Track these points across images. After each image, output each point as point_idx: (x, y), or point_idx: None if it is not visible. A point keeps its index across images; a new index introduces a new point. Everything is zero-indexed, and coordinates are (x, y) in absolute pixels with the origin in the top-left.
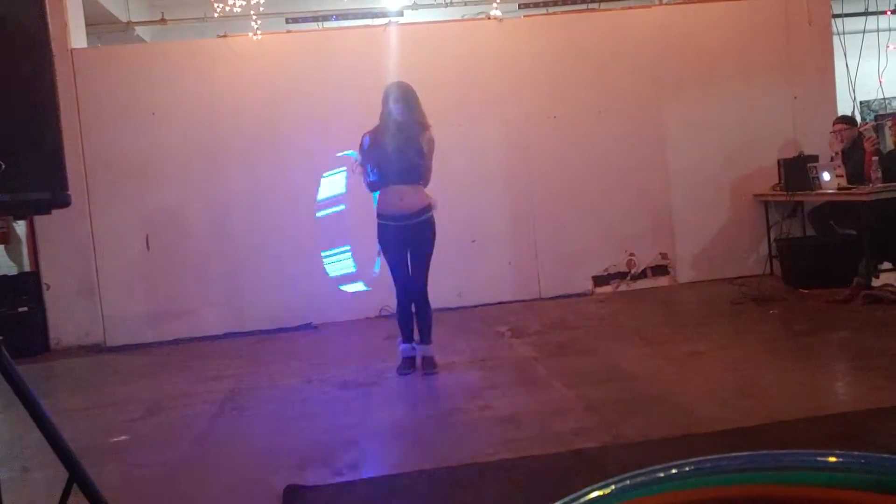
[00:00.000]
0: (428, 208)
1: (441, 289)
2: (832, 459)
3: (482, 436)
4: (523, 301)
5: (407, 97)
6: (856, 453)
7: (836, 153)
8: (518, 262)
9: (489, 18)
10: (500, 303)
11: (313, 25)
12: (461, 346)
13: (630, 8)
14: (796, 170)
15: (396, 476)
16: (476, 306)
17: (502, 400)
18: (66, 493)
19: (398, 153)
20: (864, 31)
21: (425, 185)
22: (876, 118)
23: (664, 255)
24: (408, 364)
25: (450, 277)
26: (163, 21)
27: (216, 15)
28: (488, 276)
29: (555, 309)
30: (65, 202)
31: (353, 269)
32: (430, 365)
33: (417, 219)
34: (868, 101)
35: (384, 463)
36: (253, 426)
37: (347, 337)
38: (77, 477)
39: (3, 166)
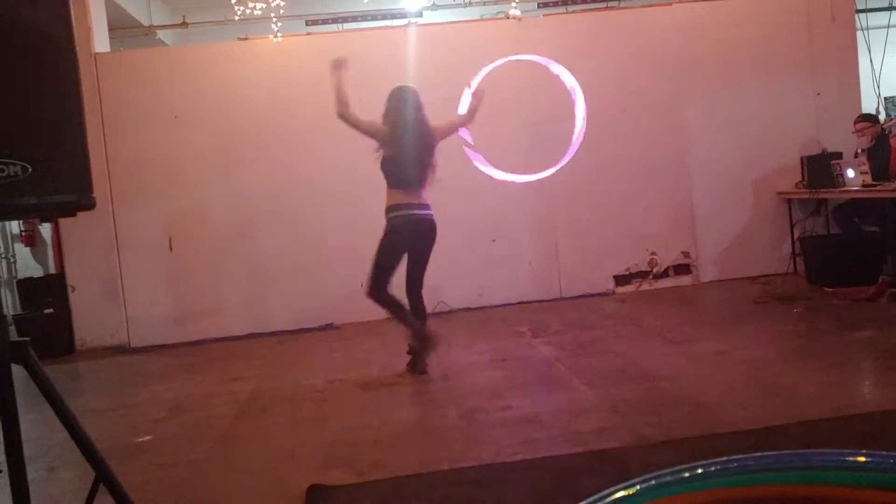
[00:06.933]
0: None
1: (461, 288)
2: (861, 459)
3: (503, 436)
4: (544, 301)
5: (419, 103)
6: (884, 453)
7: (862, 150)
8: (539, 261)
9: (508, 18)
10: (520, 302)
11: (333, 27)
12: (481, 345)
13: (650, 6)
14: (820, 167)
15: (418, 476)
16: (496, 306)
17: (523, 400)
18: (92, 492)
19: (416, 164)
20: (888, 27)
21: (468, 120)
22: None
23: (686, 254)
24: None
25: (470, 277)
26: (184, 25)
27: (237, 18)
28: (509, 276)
29: (576, 308)
30: (90, 204)
31: None
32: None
33: (427, 214)
34: (893, 97)
35: (406, 463)
36: (275, 426)
37: (368, 337)
38: (103, 476)
39: (30, 169)
